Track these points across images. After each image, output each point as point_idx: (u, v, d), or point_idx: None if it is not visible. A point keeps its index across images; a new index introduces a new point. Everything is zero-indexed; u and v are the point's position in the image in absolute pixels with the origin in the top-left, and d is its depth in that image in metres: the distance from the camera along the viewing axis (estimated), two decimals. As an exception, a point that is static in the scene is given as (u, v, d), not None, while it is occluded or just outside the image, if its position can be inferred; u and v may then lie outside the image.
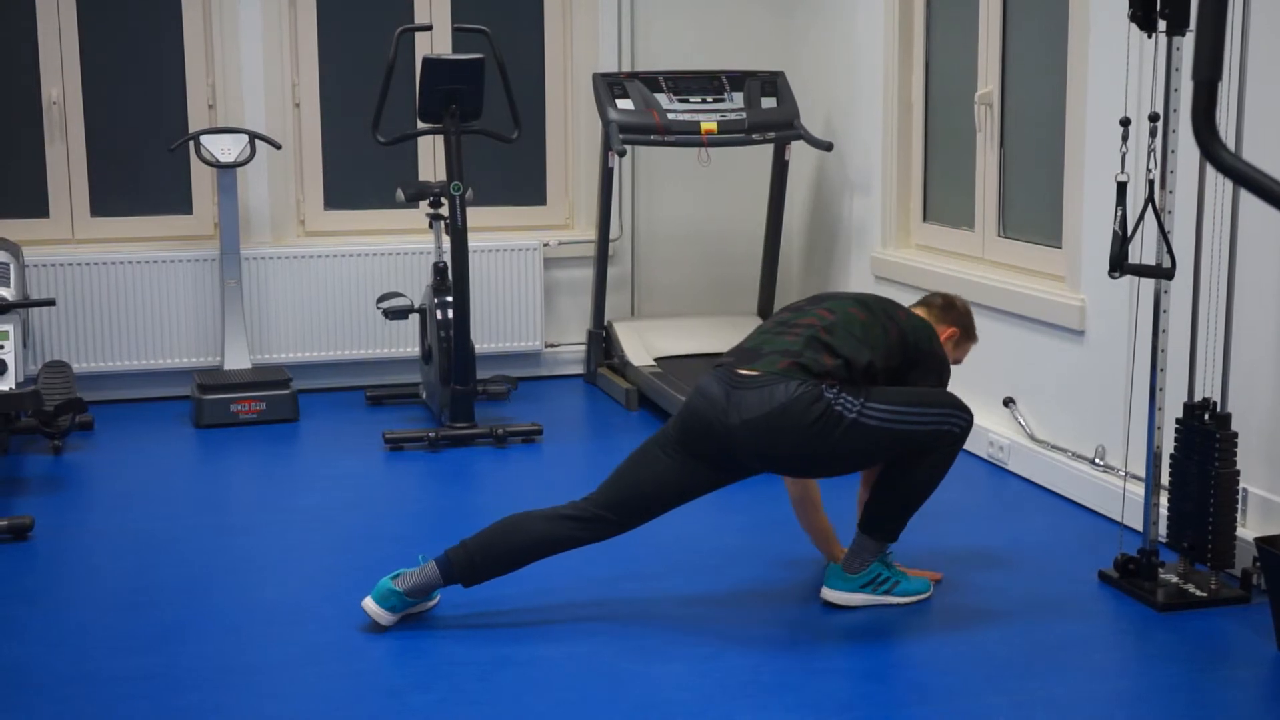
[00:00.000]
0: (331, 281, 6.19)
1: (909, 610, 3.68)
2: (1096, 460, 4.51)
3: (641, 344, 6.17)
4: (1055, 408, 4.76)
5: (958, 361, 3.94)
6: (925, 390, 3.62)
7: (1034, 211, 5.05)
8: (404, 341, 6.28)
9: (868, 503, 3.70)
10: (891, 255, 5.78)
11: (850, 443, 3.48)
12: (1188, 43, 3.52)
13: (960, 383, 5.28)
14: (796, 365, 3.49)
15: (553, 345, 6.57)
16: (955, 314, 3.93)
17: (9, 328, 5.14)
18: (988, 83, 5.18)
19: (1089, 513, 4.47)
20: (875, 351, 3.57)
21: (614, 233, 6.48)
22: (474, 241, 6.15)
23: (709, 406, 3.53)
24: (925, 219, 5.75)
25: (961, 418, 3.61)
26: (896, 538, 3.70)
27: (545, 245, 6.44)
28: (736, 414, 3.48)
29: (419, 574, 3.54)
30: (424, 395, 5.93)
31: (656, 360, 6.04)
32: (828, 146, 6.01)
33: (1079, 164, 4.56)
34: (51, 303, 5.16)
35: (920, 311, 3.88)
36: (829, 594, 3.70)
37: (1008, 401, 4.99)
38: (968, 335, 3.96)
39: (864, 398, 3.49)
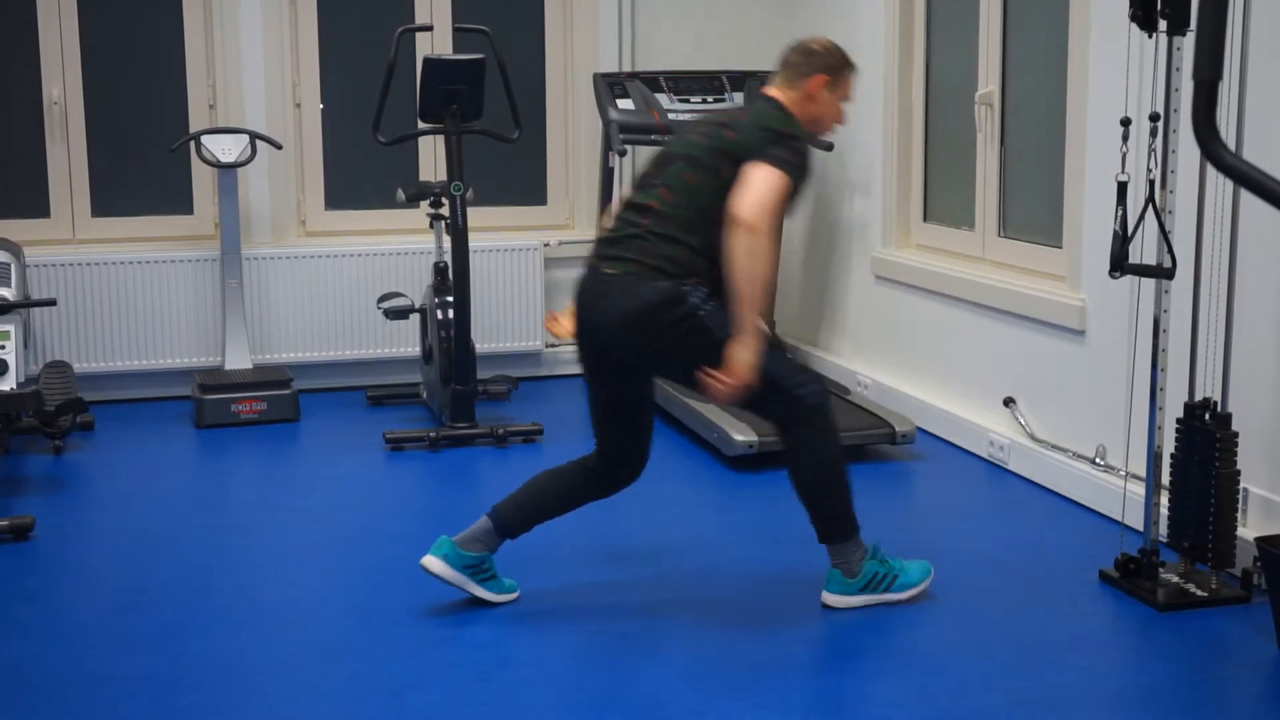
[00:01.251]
0: (332, 281, 6.19)
1: (908, 610, 3.68)
2: (1097, 460, 4.51)
3: (642, 344, 6.16)
4: (1055, 407, 4.76)
5: (847, 98, 3.65)
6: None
7: (1034, 211, 5.05)
8: (404, 341, 6.28)
9: (809, 519, 3.66)
10: (892, 255, 5.78)
11: (718, 360, 3.39)
12: (1188, 43, 3.52)
13: (960, 382, 5.29)
14: (650, 267, 3.41)
15: (553, 345, 6.57)
16: (815, 60, 3.60)
17: (10, 328, 5.14)
18: (988, 83, 5.18)
19: (1089, 512, 4.47)
20: (713, 210, 3.38)
21: (614, 233, 6.48)
22: (474, 241, 6.15)
23: (584, 307, 3.53)
24: (926, 219, 5.75)
25: (814, 387, 3.54)
26: (855, 527, 3.65)
27: (546, 245, 6.44)
28: (603, 314, 3.47)
29: (474, 526, 3.64)
30: (424, 395, 5.93)
31: (657, 360, 6.03)
32: (828, 147, 6.01)
33: (1079, 164, 4.56)
34: (52, 303, 5.15)
35: (774, 90, 3.60)
36: (829, 598, 3.70)
37: (1008, 401, 4.99)
38: (838, 71, 3.61)
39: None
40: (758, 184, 3.32)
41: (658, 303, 3.40)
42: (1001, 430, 5.01)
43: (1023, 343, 4.91)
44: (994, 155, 5.18)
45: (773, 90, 3.62)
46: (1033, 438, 4.85)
